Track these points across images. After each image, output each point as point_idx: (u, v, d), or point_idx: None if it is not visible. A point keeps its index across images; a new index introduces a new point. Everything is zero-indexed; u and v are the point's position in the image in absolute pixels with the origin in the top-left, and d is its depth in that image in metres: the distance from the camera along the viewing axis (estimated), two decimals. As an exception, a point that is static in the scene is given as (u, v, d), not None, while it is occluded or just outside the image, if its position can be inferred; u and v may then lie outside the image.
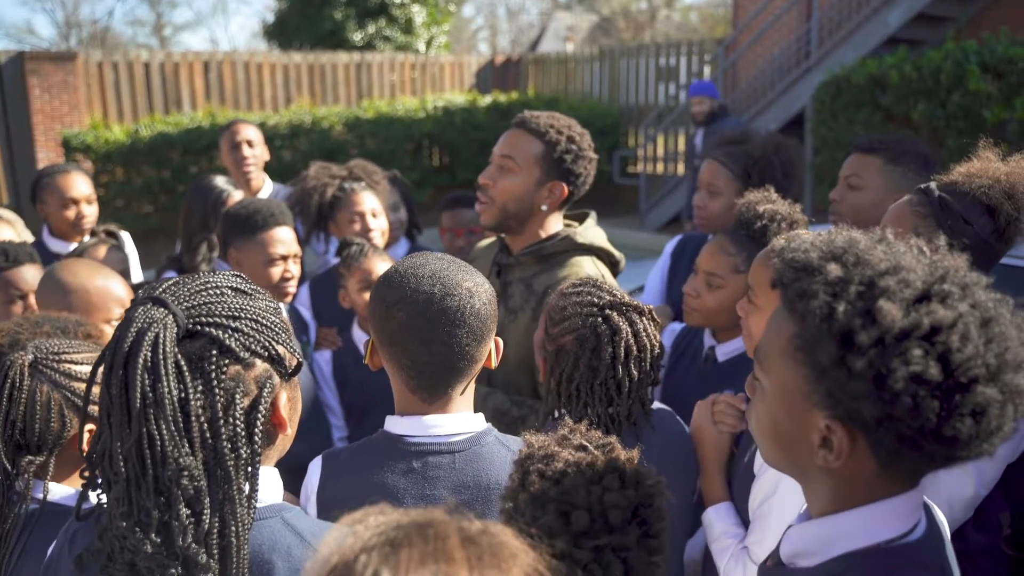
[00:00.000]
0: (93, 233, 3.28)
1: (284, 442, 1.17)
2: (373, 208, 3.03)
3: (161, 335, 1.01)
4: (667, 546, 1.08)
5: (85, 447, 1.39)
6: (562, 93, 13.37)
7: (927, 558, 0.99)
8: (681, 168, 10.92)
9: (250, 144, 3.88)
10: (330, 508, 1.38)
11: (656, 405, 1.76)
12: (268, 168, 4.10)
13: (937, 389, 0.85)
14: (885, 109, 7.49)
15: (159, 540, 0.99)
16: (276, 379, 1.09)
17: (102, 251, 2.91)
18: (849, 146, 2.47)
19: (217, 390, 1.02)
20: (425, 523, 0.71)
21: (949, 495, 1.67)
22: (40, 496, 1.36)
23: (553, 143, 2.06)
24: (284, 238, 2.50)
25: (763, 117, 9.42)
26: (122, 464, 0.99)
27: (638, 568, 1.03)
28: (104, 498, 1.05)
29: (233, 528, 1.02)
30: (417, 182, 10.95)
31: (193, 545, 0.99)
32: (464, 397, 1.45)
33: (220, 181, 3.22)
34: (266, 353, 1.08)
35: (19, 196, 9.76)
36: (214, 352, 1.02)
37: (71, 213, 3.29)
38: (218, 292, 1.08)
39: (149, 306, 1.04)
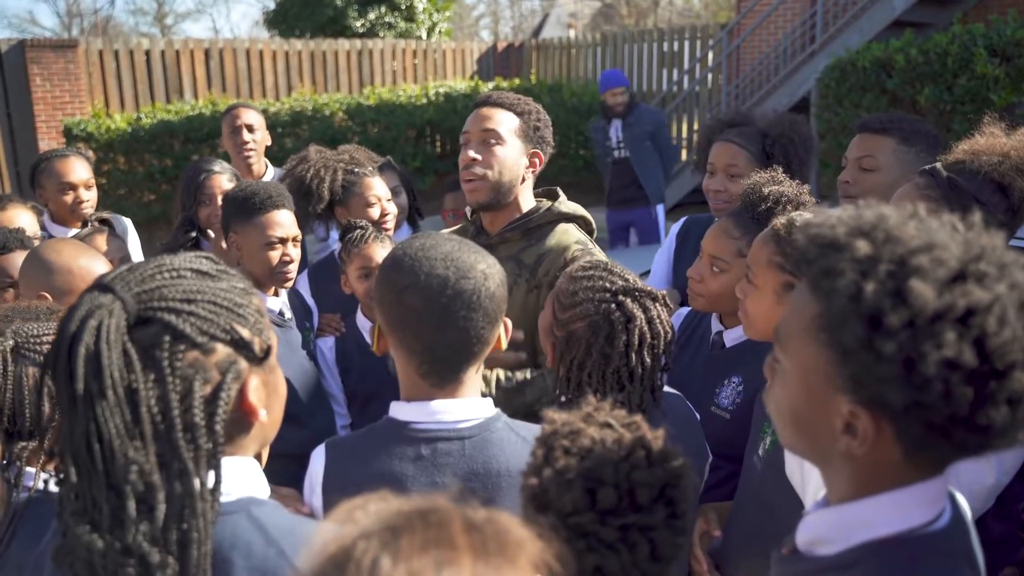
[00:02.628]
0: (84, 223, 3.25)
1: (265, 429, 1.10)
2: (386, 193, 3.02)
3: (105, 322, 0.95)
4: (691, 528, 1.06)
5: None
6: (564, 79, 13.28)
7: (954, 547, 0.95)
8: (683, 154, 10.85)
9: (250, 128, 3.83)
10: (336, 496, 1.35)
11: (665, 389, 1.73)
12: (270, 156, 4.05)
13: (971, 375, 0.80)
14: (891, 93, 7.41)
15: (111, 537, 0.94)
16: (242, 364, 1.03)
17: (100, 240, 2.88)
18: (855, 129, 2.42)
19: (171, 379, 0.96)
20: (427, 509, 0.68)
21: (970, 484, 1.63)
22: (31, 484, 1.33)
23: (526, 112, 2.17)
24: (283, 221, 2.47)
25: (767, 102, 9.35)
26: (70, 458, 0.95)
27: (664, 548, 1.01)
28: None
29: (192, 523, 0.96)
30: (419, 169, 10.90)
31: (144, 543, 0.94)
32: (474, 378, 1.42)
33: (214, 163, 3.20)
34: (227, 337, 1.01)
35: (21, 185, 9.74)
36: (167, 338, 0.97)
37: (69, 198, 3.26)
38: (174, 275, 1.02)
39: (95, 293, 0.98)
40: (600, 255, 2.06)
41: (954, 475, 1.61)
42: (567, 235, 2.15)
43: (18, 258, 2.34)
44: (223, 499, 1.02)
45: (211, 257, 1.08)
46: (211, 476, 0.99)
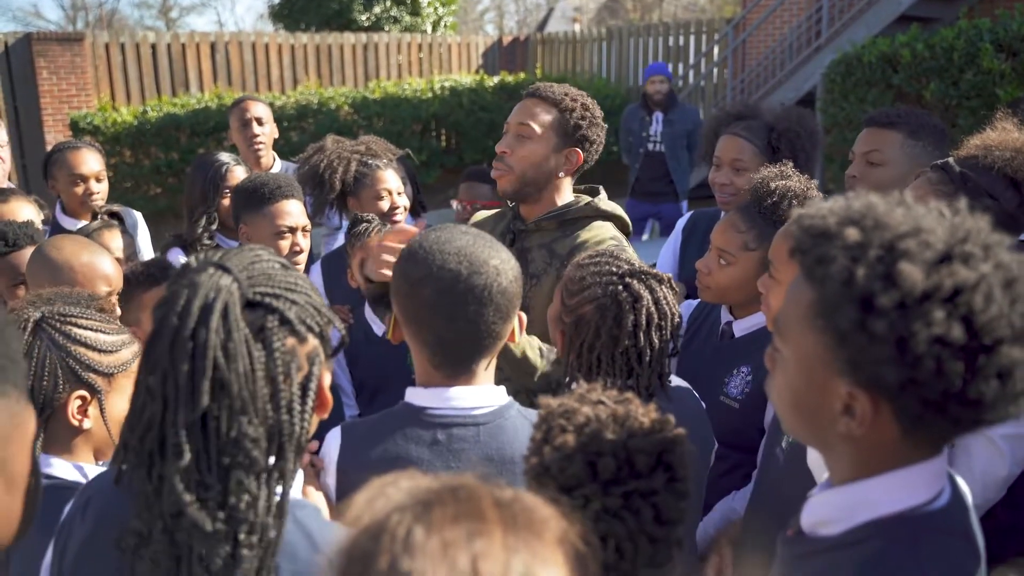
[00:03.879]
0: (95, 216, 3.27)
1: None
2: (397, 185, 3.02)
3: (231, 303, 0.98)
4: (693, 494, 1.08)
5: (74, 417, 1.39)
6: (570, 74, 13.27)
7: (953, 525, 0.98)
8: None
9: (260, 122, 3.85)
10: (351, 479, 1.38)
11: (674, 380, 1.75)
12: (275, 149, 4.07)
13: (961, 351, 0.84)
14: (897, 88, 7.40)
15: (222, 514, 0.96)
16: (323, 357, 1.07)
17: (108, 236, 2.88)
18: (862, 124, 2.43)
19: (279, 360, 1.00)
20: (457, 486, 0.70)
21: (983, 475, 1.65)
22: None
23: (568, 110, 2.11)
24: (292, 210, 2.50)
25: (773, 97, 9.34)
26: (184, 438, 0.96)
27: (667, 512, 1.04)
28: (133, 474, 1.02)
29: (284, 507, 0.99)
30: (425, 163, 10.91)
31: (257, 519, 0.96)
32: (487, 372, 1.44)
33: (222, 156, 3.20)
34: (318, 329, 1.06)
35: (28, 178, 9.77)
36: (275, 322, 1.00)
37: (80, 190, 3.29)
38: (274, 265, 1.06)
39: (213, 271, 1.01)
40: (633, 255, 2.02)
41: (967, 467, 1.65)
42: (603, 230, 2.14)
43: (28, 254, 2.36)
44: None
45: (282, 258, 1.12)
46: (295, 462, 1.02)
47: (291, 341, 1.02)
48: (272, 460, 1.01)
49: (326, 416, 1.10)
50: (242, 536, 0.97)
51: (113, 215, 3.28)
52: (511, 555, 0.65)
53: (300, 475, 1.15)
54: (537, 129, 2.09)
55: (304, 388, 1.03)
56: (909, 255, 0.86)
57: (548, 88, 2.13)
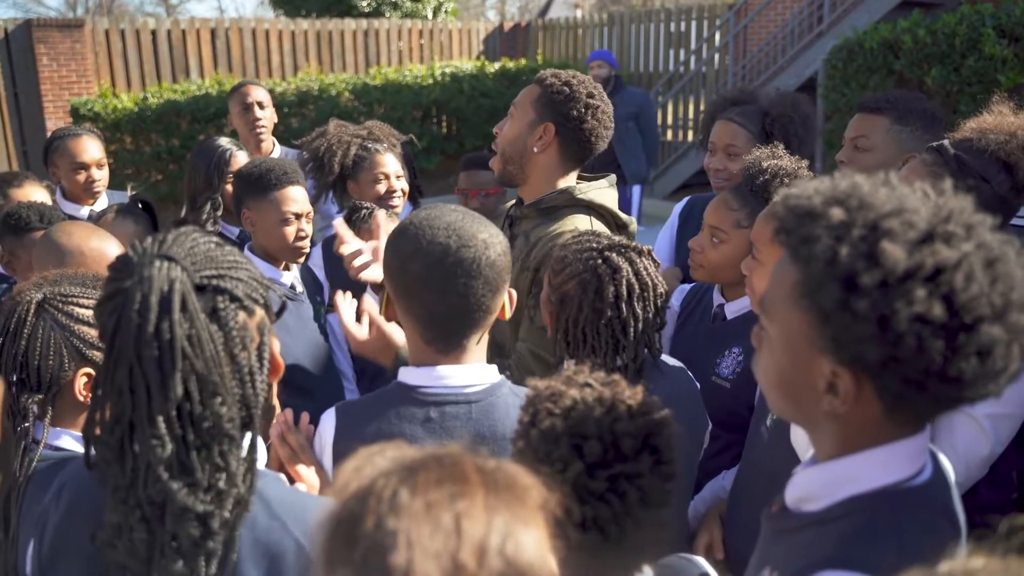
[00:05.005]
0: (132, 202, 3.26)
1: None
2: (396, 170, 3.03)
3: (186, 292, 1.01)
4: (679, 475, 1.10)
5: (80, 393, 1.41)
6: (571, 59, 13.24)
7: (933, 501, 1.00)
8: (690, 135, 10.83)
9: (261, 106, 3.86)
10: (346, 459, 1.40)
11: (668, 359, 1.77)
12: (275, 135, 4.08)
13: (941, 329, 0.85)
14: (898, 74, 7.39)
15: (204, 496, 1.00)
16: (269, 325, 1.11)
17: (125, 224, 2.87)
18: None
19: (236, 338, 1.03)
20: (442, 453, 0.73)
21: (966, 453, 1.67)
22: (39, 438, 1.38)
23: (548, 85, 2.07)
24: (297, 197, 2.51)
25: (774, 83, 9.32)
26: (164, 427, 0.99)
27: (653, 494, 1.05)
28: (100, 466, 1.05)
29: (251, 479, 1.03)
30: (426, 149, 10.91)
31: (238, 491, 1.00)
32: (479, 347, 1.47)
33: (224, 141, 3.21)
34: (262, 300, 1.09)
35: (29, 165, 9.78)
36: (226, 300, 1.03)
37: (81, 177, 3.30)
38: (212, 245, 1.09)
39: (160, 263, 1.02)
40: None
41: (950, 445, 1.66)
42: (570, 223, 2.04)
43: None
44: None
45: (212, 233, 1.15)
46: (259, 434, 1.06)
47: (242, 316, 1.06)
48: (246, 432, 1.05)
49: (277, 379, 1.14)
50: (227, 513, 1.01)
51: (145, 205, 3.26)
52: (492, 515, 0.68)
53: (262, 447, 1.17)
54: (519, 105, 2.10)
55: (260, 357, 1.07)
56: (892, 235, 0.87)
57: (547, 71, 2.11)
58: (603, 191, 2.15)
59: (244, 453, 1.04)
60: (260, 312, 1.09)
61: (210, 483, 1.00)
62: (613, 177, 2.22)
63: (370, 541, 0.67)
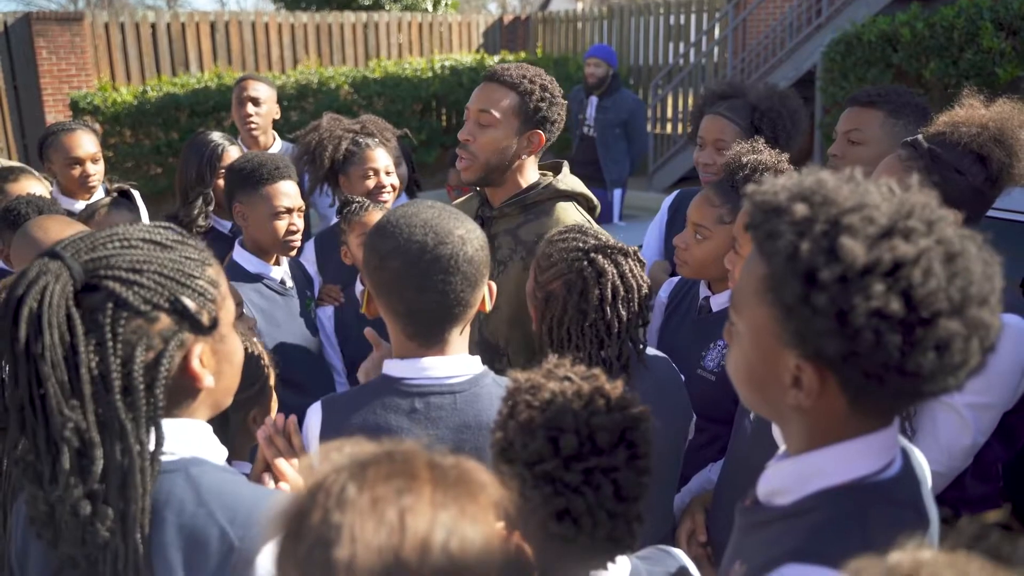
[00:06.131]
0: (106, 192, 3.29)
1: (215, 395, 1.16)
2: (387, 165, 3.03)
3: (50, 287, 1.01)
4: (663, 467, 1.11)
5: None
6: (571, 52, 13.22)
7: (901, 496, 1.00)
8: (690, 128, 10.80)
9: (255, 102, 3.87)
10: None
11: (651, 351, 1.79)
12: (275, 128, 4.08)
13: (899, 324, 0.85)
14: (897, 67, 7.37)
15: (50, 488, 1.02)
16: (186, 333, 1.07)
17: (113, 215, 2.90)
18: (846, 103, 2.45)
19: (112, 344, 1.01)
20: (395, 450, 0.74)
21: (948, 443, 1.69)
22: None
23: (527, 92, 2.08)
24: (289, 191, 2.53)
25: (773, 76, 9.31)
26: (15, 414, 1.02)
27: (628, 488, 1.06)
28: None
29: (131, 480, 1.02)
30: (425, 142, 10.90)
31: (78, 496, 1.01)
32: (462, 339, 1.49)
33: (216, 136, 3.22)
34: (170, 307, 1.05)
35: (29, 158, 9.79)
36: (110, 305, 1.02)
37: (76, 172, 3.31)
38: (125, 244, 1.07)
39: (44, 259, 1.03)
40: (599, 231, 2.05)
41: (932, 436, 1.68)
42: (566, 214, 2.12)
43: None
44: (166, 459, 1.08)
45: (172, 227, 1.13)
46: (152, 437, 1.05)
47: (136, 322, 1.03)
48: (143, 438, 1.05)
49: (205, 387, 1.12)
50: (81, 507, 1.02)
51: (123, 193, 3.29)
52: (438, 511, 0.69)
53: (202, 436, 1.17)
54: (497, 115, 2.07)
55: (153, 366, 1.04)
56: (852, 230, 0.88)
57: (506, 71, 2.11)
58: (571, 178, 2.22)
59: (138, 450, 1.04)
60: (166, 318, 1.06)
61: (55, 475, 1.02)
62: (567, 163, 2.28)
63: (315, 535, 0.68)
